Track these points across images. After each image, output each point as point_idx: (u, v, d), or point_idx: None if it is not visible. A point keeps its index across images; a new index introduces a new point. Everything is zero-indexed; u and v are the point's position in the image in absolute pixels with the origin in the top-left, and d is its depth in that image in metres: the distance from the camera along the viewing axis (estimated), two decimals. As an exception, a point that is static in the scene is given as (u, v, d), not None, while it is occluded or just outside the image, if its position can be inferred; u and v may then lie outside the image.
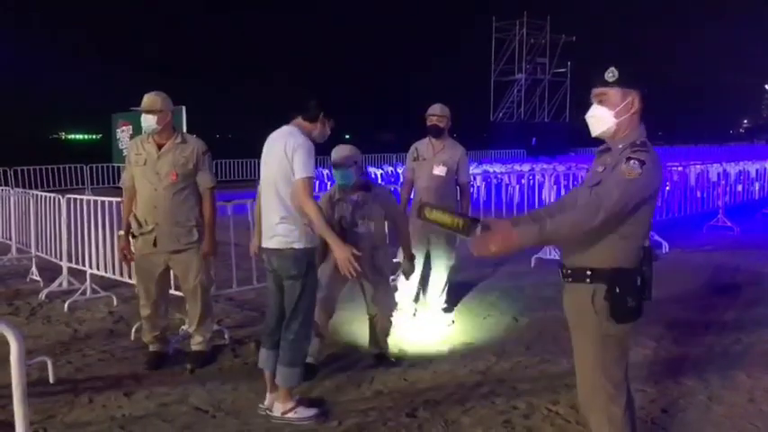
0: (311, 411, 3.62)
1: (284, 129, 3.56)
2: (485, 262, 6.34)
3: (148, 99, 4.33)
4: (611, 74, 2.51)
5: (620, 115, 2.50)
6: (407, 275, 4.69)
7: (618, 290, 2.42)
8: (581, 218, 2.37)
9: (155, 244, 4.31)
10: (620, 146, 2.49)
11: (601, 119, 2.54)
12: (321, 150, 3.79)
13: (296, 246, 3.46)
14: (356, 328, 5.08)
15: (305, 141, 3.44)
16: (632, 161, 2.36)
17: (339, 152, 4.29)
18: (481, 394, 3.91)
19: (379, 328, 4.51)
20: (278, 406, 3.62)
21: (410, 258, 4.63)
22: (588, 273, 2.47)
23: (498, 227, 2.42)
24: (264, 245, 3.60)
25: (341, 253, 3.38)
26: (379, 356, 4.52)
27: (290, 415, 3.58)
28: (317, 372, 4.26)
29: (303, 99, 3.58)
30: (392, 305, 4.63)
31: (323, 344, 4.39)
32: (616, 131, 2.53)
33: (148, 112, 4.28)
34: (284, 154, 3.41)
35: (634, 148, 2.42)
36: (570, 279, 2.56)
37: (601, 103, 2.54)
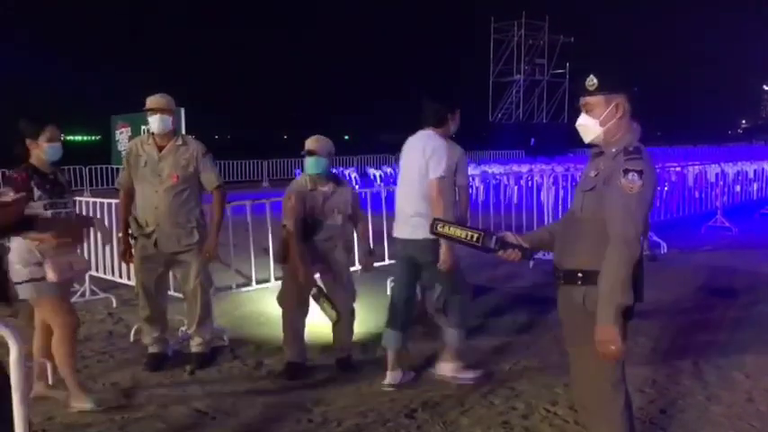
0: (475, 373, 4.12)
1: (422, 132, 4.04)
2: (482, 263, 6.34)
3: (161, 99, 4.35)
4: (590, 82, 2.50)
5: (606, 122, 2.49)
6: (368, 269, 4.64)
7: None
8: (624, 260, 2.33)
9: (155, 245, 4.32)
10: (613, 150, 2.48)
11: (587, 128, 2.53)
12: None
13: (430, 237, 3.48)
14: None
15: (441, 145, 3.94)
16: (630, 174, 2.34)
17: (315, 141, 4.30)
18: (480, 395, 3.92)
19: (342, 324, 4.36)
20: (449, 366, 4.11)
21: (368, 253, 4.60)
22: (579, 275, 2.47)
23: (596, 336, 2.37)
24: (398, 235, 4.07)
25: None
26: (342, 362, 4.40)
27: (460, 375, 4.09)
28: (304, 371, 4.29)
29: (428, 113, 4.03)
30: (351, 299, 4.46)
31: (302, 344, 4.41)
32: (606, 137, 2.51)
33: (163, 111, 4.30)
34: (422, 155, 3.90)
35: (627, 157, 2.40)
36: (563, 281, 2.56)
37: (587, 111, 2.53)
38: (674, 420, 3.58)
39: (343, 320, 4.34)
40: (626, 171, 2.35)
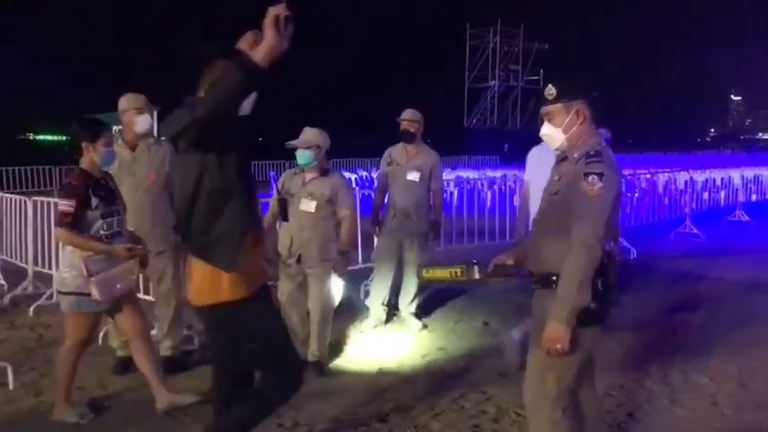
0: None
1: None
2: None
3: (140, 98, 4.30)
4: (549, 92, 2.55)
5: (568, 129, 2.54)
6: (338, 271, 4.35)
7: None
8: (584, 263, 2.37)
9: None
10: (576, 155, 2.53)
11: (551, 137, 2.59)
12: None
13: None
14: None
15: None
16: (590, 177, 2.39)
17: (302, 135, 4.32)
18: (451, 399, 3.93)
19: (314, 328, 4.33)
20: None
21: (341, 251, 4.40)
22: (554, 278, 2.48)
23: (545, 331, 2.42)
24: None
25: None
26: (315, 365, 4.34)
27: None
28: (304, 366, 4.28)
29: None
30: (328, 302, 4.36)
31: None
32: (570, 144, 2.56)
33: (142, 111, 4.27)
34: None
35: (588, 160, 2.44)
36: (539, 285, 2.59)
37: (549, 121, 2.58)
38: (641, 424, 3.63)
39: (315, 324, 4.33)
40: (586, 174, 2.40)
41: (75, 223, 3.40)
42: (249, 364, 2.82)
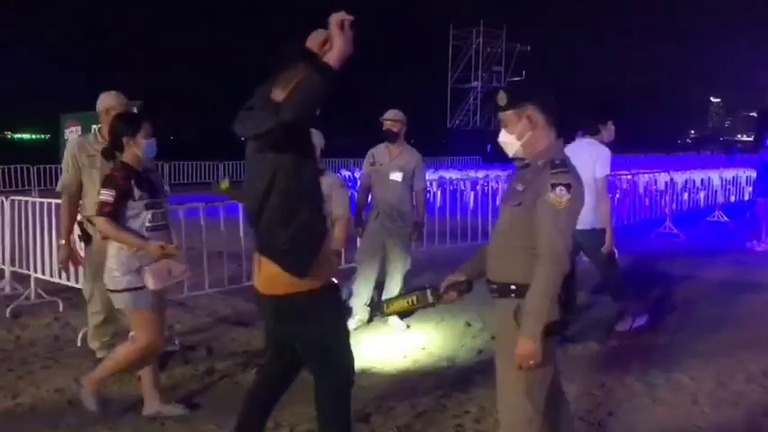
0: None
1: (586, 140, 5.15)
2: (440, 267, 6.37)
3: (120, 96, 4.26)
4: (500, 98, 2.50)
5: (522, 136, 2.49)
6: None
7: None
8: (552, 277, 2.32)
9: None
10: (540, 163, 2.46)
11: (507, 144, 2.54)
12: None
13: (596, 227, 4.98)
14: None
15: (604, 149, 5.09)
16: (558, 188, 2.33)
17: None
18: (433, 399, 3.93)
19: None
20: None
21: (334, 251, 4.35)
22: (513, 287, 2.43)
23: (517, 349, 2.35)
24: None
25: None
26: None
27: None
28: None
29: (586, 124, 5.14)
30: None
31: None
32: (528, 150, 2.50)
33: (127, 108, 4.24)
34: (590, 159, 4.87)
35: (554, 170, 2.38)
36: (497, 294, 2.52)
37: (504, 127, 2.53)
38: (622, 422, 3.65)
39: None
40: (554, 185, 2.34)
41: (114, 214, 3.37)
42: (308, 356, 2.82)
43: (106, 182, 3.45)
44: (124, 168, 3.49)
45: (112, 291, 3.52)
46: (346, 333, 2.91)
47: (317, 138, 4.29)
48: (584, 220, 4.56)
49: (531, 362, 2.35)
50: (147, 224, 3.48)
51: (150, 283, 3.39)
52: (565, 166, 2.41)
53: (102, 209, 3.37)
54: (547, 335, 2.36)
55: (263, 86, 2.55)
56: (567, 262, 2.34)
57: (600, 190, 4.96)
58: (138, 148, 3.52)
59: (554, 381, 2.59)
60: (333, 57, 2.32)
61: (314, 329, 2.71)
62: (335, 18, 2.31)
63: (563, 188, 2.33)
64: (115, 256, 3.46)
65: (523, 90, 2.58)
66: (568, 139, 4.78)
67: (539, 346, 2.33)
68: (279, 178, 2.48)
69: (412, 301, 2.69)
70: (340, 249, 4.56)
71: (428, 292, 2.66)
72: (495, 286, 2.53)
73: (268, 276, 2.63)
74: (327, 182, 4.33)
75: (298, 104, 2.33)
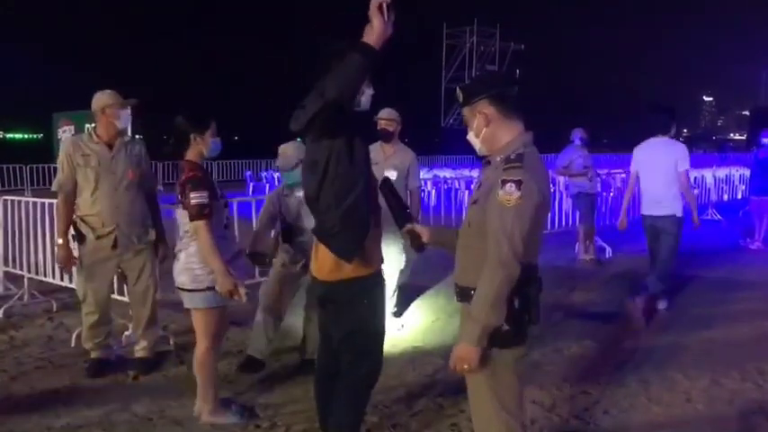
0: None
1: (661, 138, 5.86)
2: (434, 266, 6.37)
3: (116, 95, 4.24)
4: (458, 96, 2.42)
5: (479, 132, 2.38)
6: None
7: None
8: (498, 281, 2.16)
9: (114, 245, 4.20)
10: (498, 159, 2.32)
11: (471, 141, 2.46)
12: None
13: (678, 214, 5.77)
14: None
15: (681, 145, 5.93)
16: (507, 185, 2.16)
17: (282, 156, 4.25)
18: (429, 398, 3.94)
19: (310, 328, 4.34)
20: None
21: None
22: (472, 292, 2.27)
23: (453, 350, 2.28)
24: (649, 212, 5.89)
25: None
26: (309, 363, 4.28)
27: None
28: (263, 368, 4.30)
29: (659, 123, 5.87)
30: None
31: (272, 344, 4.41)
32: (488, 147, 2.39)
33: (123, 106, 4.22)
34: (671, 155, 5.73)
35: (507, 165, 2.23)
36: (459, 298, 2.40)
37: (467, 125, 2.45)
38: (617, 421, 3.66)
39: (310, 324, 4.33)
40: (503, 182, 2.18)
41: (211, 215, 3.29)
42: (343, 343, 2.86)
43: (194, 184, 3.28)
44: (198, 167, 3.41)
45: (190, 290, 3.45)
46: (383, 327, 2.94)
47: (302, 151, 4.25)
48: (668, 208, 5.72)
49: (466, 366, 2.23)
50: (226, 221, 3.49)
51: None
52: (519, 161, 2.23)
53: (203, 211, 3.24)
54: (496, 346, 2.25)
55: (316, 86, 2.58)
56: (514, 266, 2.15)
57: (683, 182, 5.75)
58: (205, 146, 3.47)
59: (519, 391, 2.46)
60: (372, 37, 2.43)
61: (353, 317, 2.78)
62: (374, 1, 2.39)
63: (512, 185, 2.15)
64: (197, 254, 3.42)
65: (474, 85, 2.45)
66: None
67: (476, 351, 2.21)
68: (332, 163, 2.57)
69: (399, 211, 2.75)
70: None
71: (407, 222, 2.73)
72: (457, 290, 2.41)
73: (321, 262, 2.75)
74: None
75: (341, 82, 2.43)
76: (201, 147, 3.45)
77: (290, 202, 4.31)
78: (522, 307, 2.25)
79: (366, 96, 2.76)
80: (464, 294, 2.35)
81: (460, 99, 2.43)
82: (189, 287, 3.44)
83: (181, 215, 3.43)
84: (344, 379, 2.88)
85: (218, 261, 3.27)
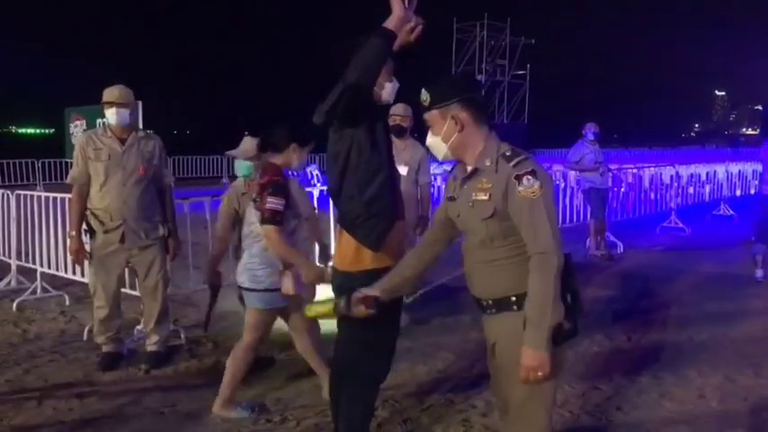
0: None
1: None
2: (444, 261, 6.35)
3: (118, 92, 4.25)
4: (423, 98, 2.28)
5: (449, 137, 2.26)
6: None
7: None
8: (548, 278, 2.10)
9: (122, 240, 4.22)
10: (488, 162, 2.22)
11: (435, 147, 2.33)
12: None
13: None
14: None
15: None
16: (524, 178, 2.12)
17: (241, 144, 4.08)
18: (440, 393, 3.93)
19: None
20: None
21: (322, 251, 4.28)
22: (513, 299, 2.20)
23: (522, 360, 2.14)
24: None
25: None
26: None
27: None
28: (274, 364, 4.30)
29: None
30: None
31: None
32: (459, 153, 2.30)
33: (120, 105, 4.20)
34: None
35: (512, 162, 2.17)
36: (494, 310, 2.29)
37: (430, 128, 2.32)
38: (630, 417, 3.64)
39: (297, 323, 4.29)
40: (519, 177, 2.13)
41: (283, 222, 3.25)
42: (360, 335, 2.78)
43: (274, 189, 3.23)
44: (282, 174, 3.36)
45: (248, 289, 3.48)
46: (397, 322, 2.94)
47: (250, 148, 4.17)
48: None
49: (540, 374, 2.13)
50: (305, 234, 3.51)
51: (290, 287, 3.33)
52: (519, 153, 2.19)
53: (275, 217, 3.19)
54: (555, 343, 2.14)
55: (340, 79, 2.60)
56: (558, 255, 2.11)
57: None
58: (299, 159, 3.47)
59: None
60: (391, 22, 2.51)
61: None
62: None
63: (529, 177, 2.12)
64: (259, 255, 3.43)
65: (447, 87, 2.30)
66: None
67: (547, 356, 2.11)
68: (354, 152, 2.60)
69: (331, 310, 2.53)
70: (324, 244, 4.39)
71: (341, 302, 2.47)
72: (489, 302, 2.30)
73: (342, 252, 2.76)
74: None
75: (359, 66, 2.47)
76: (294, 157, 3.46)
77: (247, 200, 3.99)
78: (573, 299, 2.23)
79: (389, 89, 2.76)
80: (503, 305, 2.25)
81: (427, 101, 2.28)
82: (247, 286, 3.49)
83: (250, 213, 3.47)
84: (353, 372, 2.86)
85: (296, 256, 3.27)
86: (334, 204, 2.79)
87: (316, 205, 5.14)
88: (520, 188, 2.12)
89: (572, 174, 9.92)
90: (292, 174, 3.75)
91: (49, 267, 6.16)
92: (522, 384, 2.21)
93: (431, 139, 2.33)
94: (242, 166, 4.10)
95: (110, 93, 4.25)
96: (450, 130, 2.26)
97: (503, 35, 42.64)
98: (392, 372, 4.23)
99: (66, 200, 5.83)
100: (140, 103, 4.76)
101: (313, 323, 3.69)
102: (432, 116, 2.30)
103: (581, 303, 2.27)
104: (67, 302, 5.90)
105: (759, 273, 6.84)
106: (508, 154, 2.20)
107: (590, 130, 8.30)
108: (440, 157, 2.36)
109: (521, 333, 2.16)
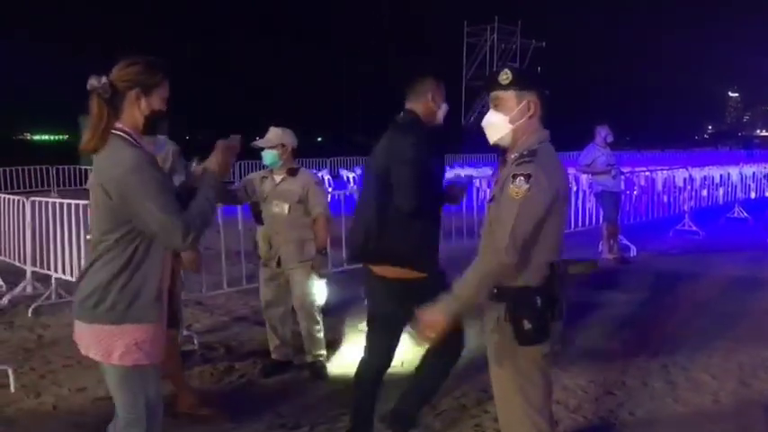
0: None
1: None
2: (459, 264, 6.35)
3: None
4: (504, 75, 2.32)
5: (516, 120, 2.32)
6: (317, 270, 4.26)
7: (515, 311, 2.25)
8: (487, 267, 2.25)
9: None
10: (514, 156, 2.32)
11: (496, 126, 2.36)
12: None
13: None
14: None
15: None
16: (518, 178, 2.18)
17: (266, 135, 4.24)
18: (453, 398, 3.93)
19: (302, 328, 4.36)
20: None
21: (319, 251, 4.28)
22: (495, 290, 2.28)
23: (425, 315, 2.33)
24: None
25: None
26: (311, 366, 4.36)
27: None
28: (290, 367, 4.35)
29: None
30: (310, 302, 4.30)
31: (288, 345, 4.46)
32: (514, 138, 2.35)
33: None
34: None
35: (519, 161, 2.25)
36: (497, 299, 2.34)
37: (496, 108, 2.36)
38: (643, 422, 3.62)
39: (303, 324, 4.34)
40: (514, 176, 2.20)
41: None
42: (369, 329, 3.25)
43: None
44: None
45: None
46: (396, 322, 3.16)
47: (287, 137, 4.25)
48: None
49: (429, 333, 2.34)
50: None
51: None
52: (532, 155, 2.24)
53: None
54: (519, 343, 2.25)
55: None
56: (506, 258, 2.17)
57: None
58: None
59: (546, 389, 2.44)
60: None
61: (376, 302, 3.18)
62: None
63: (522, 178, 2.18)
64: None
65: (530, 74, 2.46)
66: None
67: (445, 321, 2.30)
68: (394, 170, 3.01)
69: (588, 266, 2.86)
70: (325, 249, 4.45)
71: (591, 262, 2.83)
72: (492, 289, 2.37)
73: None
74: (302, 182, 4.22)
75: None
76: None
77: (265, 184, 4.27)
78: (545, 305, 2.26)
79: (442, 111, 3.22)
80: (502, 294, 2.28)
81: (508, 80, 2.31)
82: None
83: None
84: (357, 367, 3.27)
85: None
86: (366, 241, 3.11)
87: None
88: (511, 186, 2.20)
89: (584, 177, 9.89)
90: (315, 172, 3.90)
91: (65, 273, 6.21)
92: (500, 381, 2.44)
93: (495, 117, 2.36)
94: (267, 156, 4.23)
95: None
96: (521, 113, 2.32)
97: (513, 38, 42.64)
98: (404, 377, 4.24)
99: (81, 206, 5.90)
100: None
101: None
102: (506, 95, 2.34)
103: (559, 312, 2.32)
104: (82, 308, 5.93)
105: None
106: (524, 153, 2.27)
107: (601, 133, 8.27)
108: (495, 137, 2.39)
109: (495, 325, 2.32)
